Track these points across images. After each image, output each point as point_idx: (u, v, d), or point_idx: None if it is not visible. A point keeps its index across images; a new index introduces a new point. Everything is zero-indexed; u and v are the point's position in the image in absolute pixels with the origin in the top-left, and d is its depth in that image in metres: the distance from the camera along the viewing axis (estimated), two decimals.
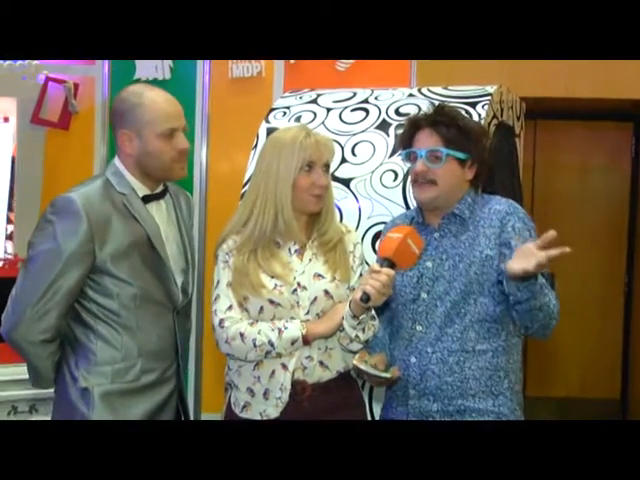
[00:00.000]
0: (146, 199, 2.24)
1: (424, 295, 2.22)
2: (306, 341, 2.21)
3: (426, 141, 2.21)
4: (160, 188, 2.28)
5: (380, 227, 2.72)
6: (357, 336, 2.19)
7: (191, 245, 2.39)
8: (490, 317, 2.18)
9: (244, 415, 2.28)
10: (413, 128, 2.25)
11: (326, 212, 2.33)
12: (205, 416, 4.12)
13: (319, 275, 2.27)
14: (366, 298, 2.05)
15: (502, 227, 2.18)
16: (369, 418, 2.57)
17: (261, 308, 2.25)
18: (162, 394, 2.23)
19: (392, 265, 2.08)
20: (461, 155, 2.19)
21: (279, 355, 2.22)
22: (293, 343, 2.20)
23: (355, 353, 2.28)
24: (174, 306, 2.27)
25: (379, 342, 2.31)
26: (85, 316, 2.17)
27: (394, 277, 2.09)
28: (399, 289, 2.26)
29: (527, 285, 2.00)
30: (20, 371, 2.58)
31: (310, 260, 2.29)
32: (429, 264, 2.23)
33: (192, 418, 2.53)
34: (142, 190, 2.23)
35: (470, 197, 2.26)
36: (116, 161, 2.25)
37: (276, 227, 2.26)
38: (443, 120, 2.20)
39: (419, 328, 2.21)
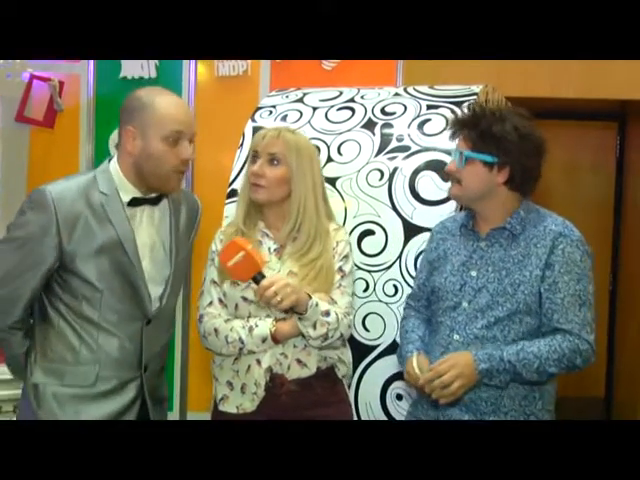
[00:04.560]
0: (136, 202, 2.16)
1: (465, 304, 2.19)
2: (275, 339, 2.25)
3: (458, 143, 2.25)
4: (155, 194, 2.20)
5: (366, 226, 2.73)
6: (308, 332, 2.23)
7: (182, 252, 2.30)
8: (532, 337, 2.14)
9: (222, 408, 2.35)
10: (453, 130, 2.29)
11: (296, 212, 2.34)
12: (191, 415, 4.11)
13: (293, 273, 2.30)
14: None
15: (553, 248, 2.15)
16: (354, 415, 2.58)
17: (236, 305, 2.31)
18: (118, 404, 2.15)
19: (255, 279, 2.16)
20: (486, 158, 2.17)
21: (251, 352, 2.26)
22: (264, 341, 2.25)
23: (322, 349, 2.30)
24: (144, 315, 2.18)
25: (420, 340, 2.28)
26: (50, 312, 2.14)
27: (264, 286, 2.14)
28: (442, 294, 2.25)
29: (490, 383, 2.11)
30: (3, 371, 2.53)
31: (288, 259, 2.33)
32: (473, 273, 2.21)
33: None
34: (132, 192, 2.15)
35: (523, 211, 2.23)
36: (112, 159, 2.19)
37: (249, 220, 2.38)
38: (467, 123, 2.23)
39: (456, 337, 2.18)
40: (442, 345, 2.20)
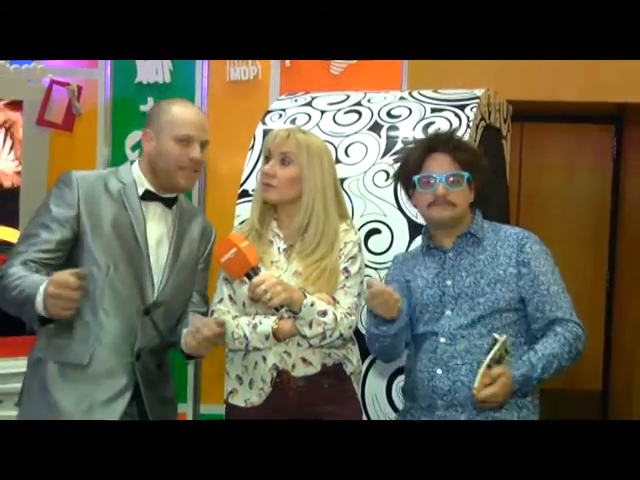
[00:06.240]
0: (149, 196, 2.31)
1: (448, 312, 2.26)
2: (277, 337, 2.29)
3: (444, 165, 2.26)
4: (168, 195, 2.33)
5: (372, 225, 2.79)
6: (304, 331, 2.26)
7: (186, 259, 2.36)
8: (514, 330, 2.23)
9: (231, 401, 2.41)
10: (427, 152, 2.30)
11: (304, 211, 2.36)
12: (204, 408, 4.15)
13: (298, 273, 2.34)
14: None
15: (520, 247, 2.25)
16: (363, 413, 2.63)
17: (243, 303, 2.36)
18: (110, 389, 2.21)
19: (248, 276, 2.19)
20: (469, 176, 2.27)
21: (256, 348, 2.31)
22: (267, 338, 2.28)
23: (322, 347, 2.32)
24: (144, 303, 2.26)
25: None
26: None
27: (254, 283, 2.17)
28: (421, 307, 2.30)
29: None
30: (20, 364, 2.51)
31: (295, 259, 2.36)
32: (449, 282, 2.27)
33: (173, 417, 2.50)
34: (147, 186, 2.31)
35: (478, 217, 2.34)
36: (135, 161, 2.37)
37: (262, 220, 2.41)
38: (461, 146, 2.30)
39: (442, 340, 2.24)
40: (429, 351, 2.27)
